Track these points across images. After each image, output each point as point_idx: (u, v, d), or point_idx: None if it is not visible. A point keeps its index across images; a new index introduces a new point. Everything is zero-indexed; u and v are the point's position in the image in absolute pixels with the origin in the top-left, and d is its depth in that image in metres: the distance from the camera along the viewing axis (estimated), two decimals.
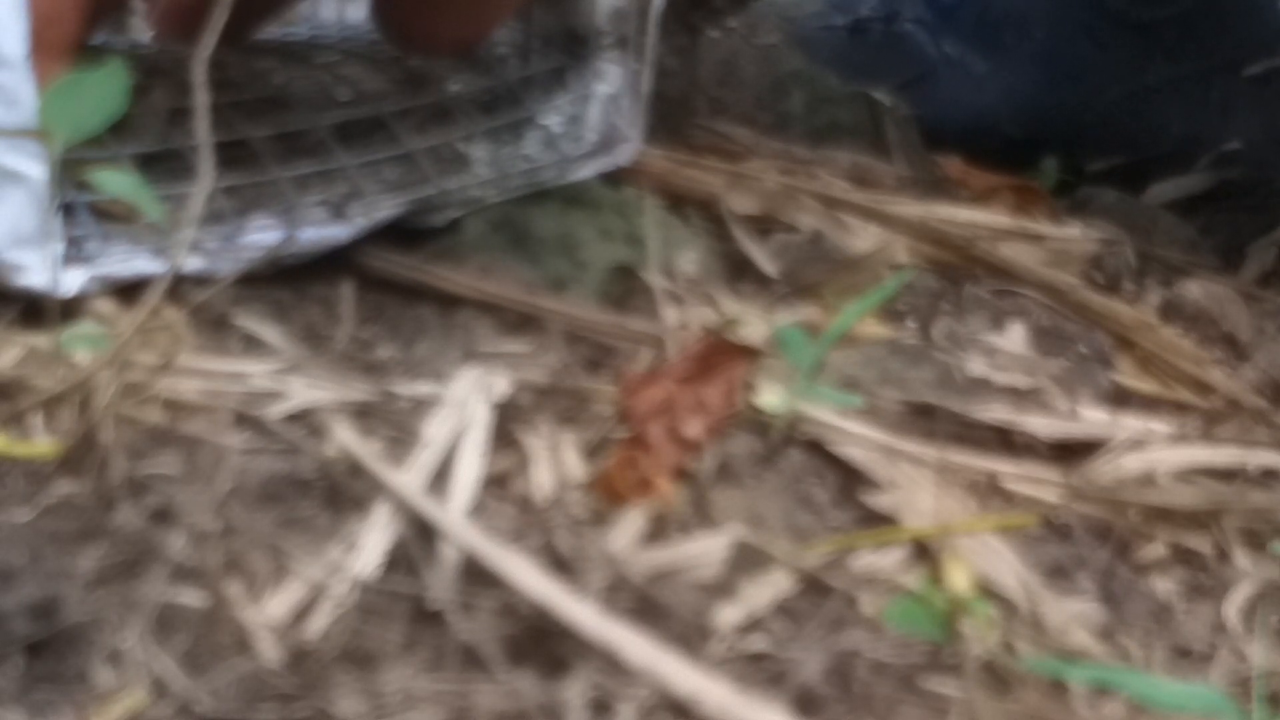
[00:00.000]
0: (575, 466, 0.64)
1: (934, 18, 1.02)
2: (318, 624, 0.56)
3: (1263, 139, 0.97)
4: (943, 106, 0.99)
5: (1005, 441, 0.70)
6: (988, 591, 0.62)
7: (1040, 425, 0.71)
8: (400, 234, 0.73)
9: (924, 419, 0.69)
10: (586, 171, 0.79)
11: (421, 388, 0.66)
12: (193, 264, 0.67)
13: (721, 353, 0.68)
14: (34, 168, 0.65)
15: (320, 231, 0.72)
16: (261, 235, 0.71)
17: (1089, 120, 0.98)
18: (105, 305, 0.68)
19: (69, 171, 0.64)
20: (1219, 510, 0.68)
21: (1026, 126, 0.98)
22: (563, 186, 0.78)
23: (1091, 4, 0.98)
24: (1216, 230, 0.92)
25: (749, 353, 0.68)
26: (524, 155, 0.80)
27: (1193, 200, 0.96)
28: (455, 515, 0.60)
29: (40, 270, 0.66)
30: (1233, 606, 0.65)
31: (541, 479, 0.63)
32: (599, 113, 0.81)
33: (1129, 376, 0.76)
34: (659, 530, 0.62)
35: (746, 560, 0.61)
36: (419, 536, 0.59)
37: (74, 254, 0.68)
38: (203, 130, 0.64)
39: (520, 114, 0.81)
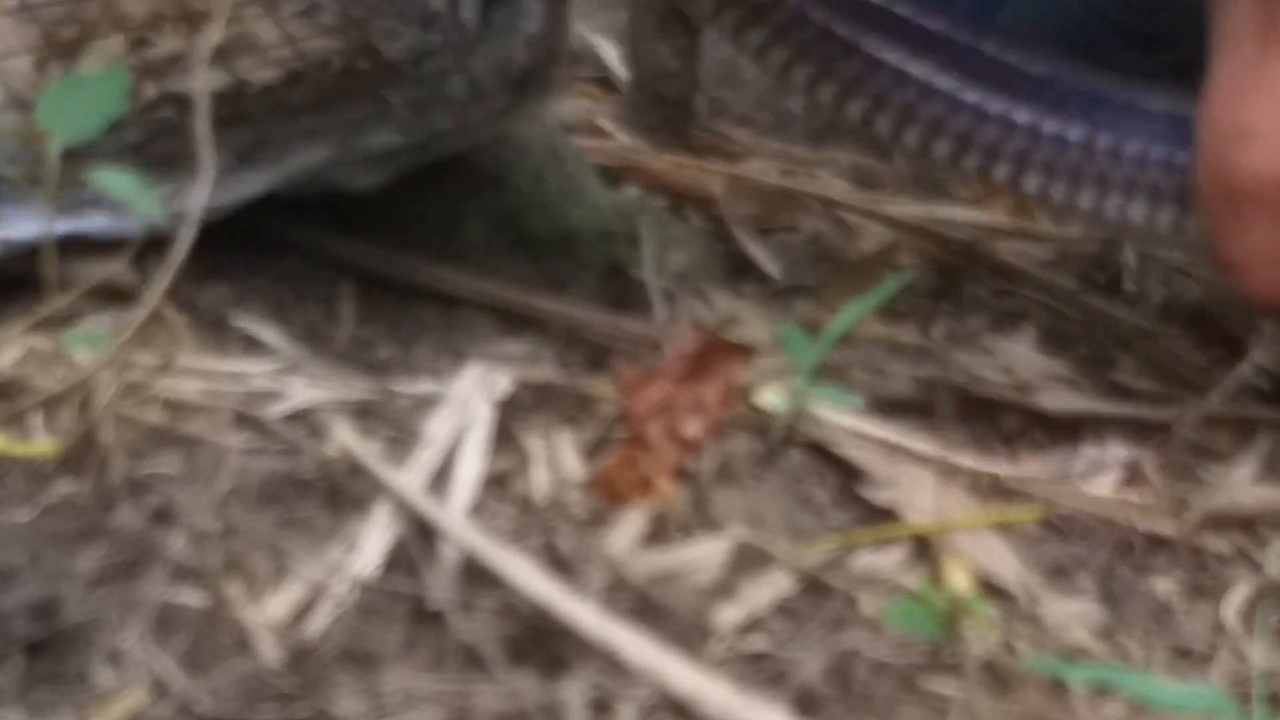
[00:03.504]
0: (575, 466, 0.64)
1: None
2: (318, 624, 0.56)
3: None
4: None
5: (1006, 441, 0.70)
6: (988, 591, 0.62)
7: (1040, 424, 0.70)
8: (390, 227, 0.73)
9: (924, 418, 0.69)
10: (519, 120, 0.76)
11: (422, 387, 0.66)
12: (96, 224, 0.66)
13: (716, 351, 0.68)
14: None
15: (235, 184, 0.69)
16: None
17: None
18: (105, 307, 0.68)
19: None
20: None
21: None
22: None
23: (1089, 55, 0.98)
24: None
25: (744, 351, 0.68)
26: (449, 107, 0.76)
27: None
28: (455, 515, 0.60)
29: None
30: (1233, 606, 0.65)
31: (541, 479, 0.63)
32: (524, 55, 0.77)
33: (1129, 376, 0.76)
34: (659, 530, 0.62)
35: (746, 560, 0.61)
36: (419, 536, 0.59)
37: None
38: (203, 130, 0.64)
39: (444, 62, 0.77)
